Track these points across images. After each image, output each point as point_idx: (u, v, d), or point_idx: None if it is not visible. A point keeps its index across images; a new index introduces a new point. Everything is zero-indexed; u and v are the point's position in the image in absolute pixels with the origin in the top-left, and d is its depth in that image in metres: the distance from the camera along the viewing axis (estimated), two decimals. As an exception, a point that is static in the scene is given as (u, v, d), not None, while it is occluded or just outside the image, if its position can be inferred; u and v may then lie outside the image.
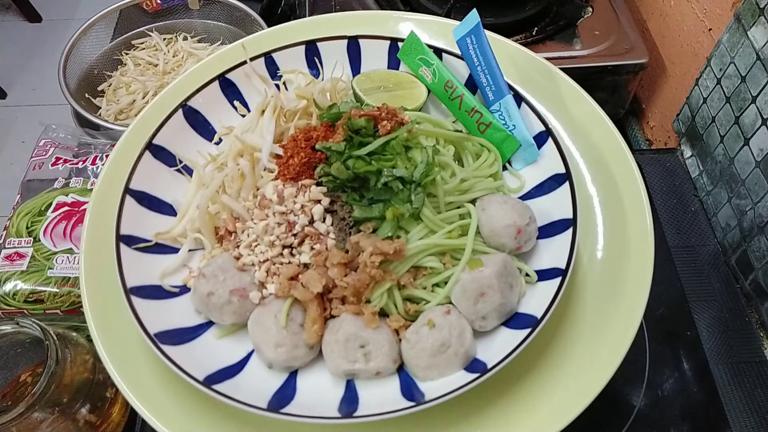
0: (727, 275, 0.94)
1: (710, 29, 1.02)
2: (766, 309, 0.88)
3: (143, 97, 1.13)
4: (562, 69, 0.72)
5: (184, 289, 0.60)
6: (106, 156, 0.87)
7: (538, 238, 0.61)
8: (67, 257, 0.79)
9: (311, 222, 0.58)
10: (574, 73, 0.72)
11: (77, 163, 0.89)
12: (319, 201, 0.59)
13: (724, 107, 0.96)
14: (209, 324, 0.58)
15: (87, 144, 0.95)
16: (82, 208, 0.82)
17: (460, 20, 0.69)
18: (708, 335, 0.87)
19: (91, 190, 0.83)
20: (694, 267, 0.95)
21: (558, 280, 0.54)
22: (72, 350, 0.66)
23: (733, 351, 0.86)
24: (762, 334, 0.88)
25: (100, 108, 1.13)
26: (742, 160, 0.92)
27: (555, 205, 0.61)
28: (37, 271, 0.78)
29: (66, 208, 0.83)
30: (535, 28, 1.17)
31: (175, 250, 0.62)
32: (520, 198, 0.65)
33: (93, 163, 0.87)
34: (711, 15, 1.01)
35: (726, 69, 0.95)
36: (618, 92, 1.22)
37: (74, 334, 0.70)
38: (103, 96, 1.15)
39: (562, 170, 0.62)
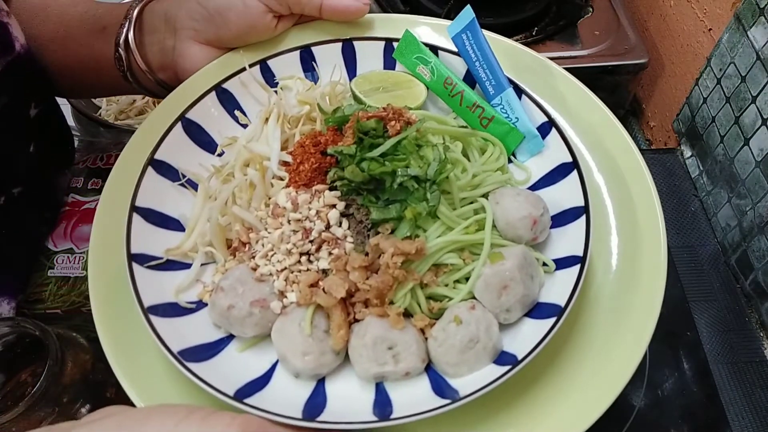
0: (727, 275, 0.95)
1: (710, 29, 1.02)
2: (766, 309, 0.88)
3: (143, 97, 1.13)
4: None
5: (200, 305, 0.59)
6: (107, 156, 0.86)
7: (550, 228, 0.61)
8: (68, 257, 0.79)
9: (328, 227, 0.58)
10: (574, 73, 0.72)
11: (77, 163, 0.88)
12: (334, 205, 0.58)
13: (724, 107, 0.96)
14: (230, 338, 0.57)
15: (87, 144, 0.95)
16: (83, 208, 0.82)
17: (460, 20, 0.69)
18: (708, 335, 0.87)
19: (92, 189, 0.83)
20: (694, 267, 0.95)
21: (577, 267, 0.54)
22: (72, 350, 0.66)
23: (733, 351, 0.86)
24: (762, 334, 0.89)
25: (100, 108, 1.13)
26: (742, 160, 0.92)
27: (564, 194, 0.61)
28: (37, 271, 0.78)
29: (66, 208, 0.82)
30: (535, 28, 1.18)
31: (187, 266, 0.61)
32: (528, 189, 0.65)
33: (93, 163, 0.87)
34: (711, 15, 1.01)
35: (726, 69, 0.95)
36: (618, 92, 1.22)
37: (74, 334, 0.70)
38: (103, 96, 1.16)
39: (569, 159, 0.62)
